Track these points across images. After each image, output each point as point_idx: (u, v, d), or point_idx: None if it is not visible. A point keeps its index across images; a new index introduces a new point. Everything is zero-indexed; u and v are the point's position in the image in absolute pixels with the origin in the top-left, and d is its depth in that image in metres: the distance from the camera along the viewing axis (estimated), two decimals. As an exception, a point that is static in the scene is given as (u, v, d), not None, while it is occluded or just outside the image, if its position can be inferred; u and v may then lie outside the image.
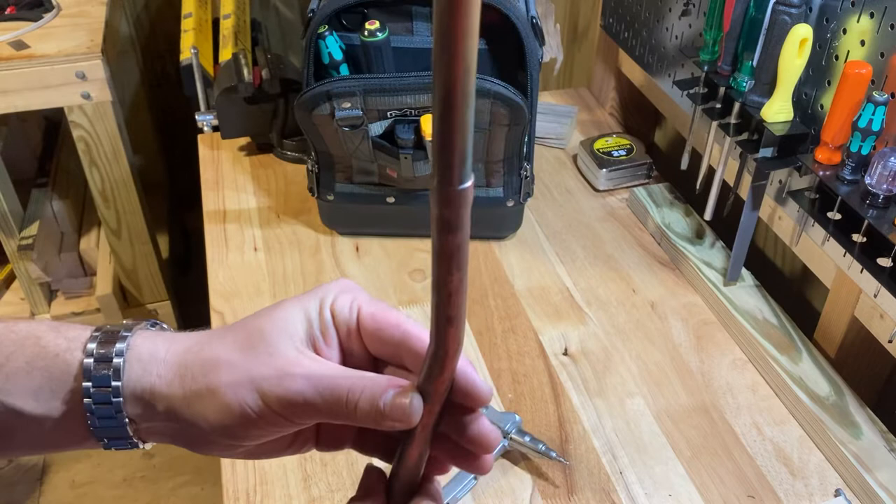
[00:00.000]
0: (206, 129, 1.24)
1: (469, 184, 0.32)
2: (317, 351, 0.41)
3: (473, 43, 0.28)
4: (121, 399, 0.39)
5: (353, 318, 0.42)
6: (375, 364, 0.44)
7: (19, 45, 1.38)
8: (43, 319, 0.46)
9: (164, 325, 0.44)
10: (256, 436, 0.40)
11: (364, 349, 0.43)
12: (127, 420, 0.40)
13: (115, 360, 0.39)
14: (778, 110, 0.82)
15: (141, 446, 0.42)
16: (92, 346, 0.40)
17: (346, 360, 0.43)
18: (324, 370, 0.39)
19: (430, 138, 0.91)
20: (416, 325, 0.43)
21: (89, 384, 0.39)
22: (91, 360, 0.39)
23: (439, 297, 0.35)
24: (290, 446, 0.44)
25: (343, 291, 0.42)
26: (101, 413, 0.39)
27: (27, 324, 0.41)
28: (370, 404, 0.38)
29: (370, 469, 0.44)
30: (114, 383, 0.39)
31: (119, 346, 0.40)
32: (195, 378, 0.39)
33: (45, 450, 0.42)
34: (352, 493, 0.76)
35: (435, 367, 0.38)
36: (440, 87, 0.29)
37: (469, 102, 0.29)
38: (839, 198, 0.76)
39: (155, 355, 0.40)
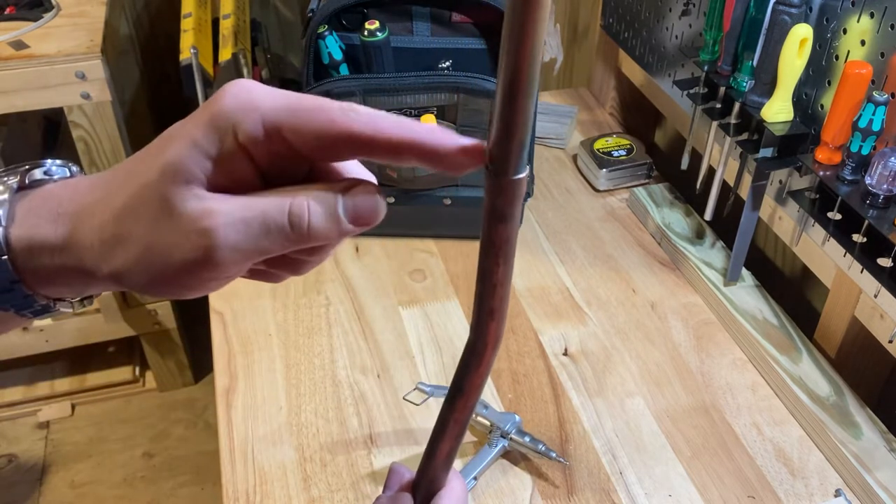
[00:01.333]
0: (205, 129, 1.23)
1: (524, 174, 0.32)
2: (223, 188, 0.34)
3: (543, 31, 0.28)
4: (20, 283, 0.35)
5: (271, 139, 0.33)
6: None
7: (19, 44, 1.37)
8: None
9: (43, 175, 0.38)
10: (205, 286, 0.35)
11: (294, 157, 0.35)
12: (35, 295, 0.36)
13: None
14: (778, 110, 0.82)
15: (54, 306, 0.37)
16: None
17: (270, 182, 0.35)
18: (240, 204, 0.33)
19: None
20: (336, 106, 0.33)
21: None
22: None
23: (483, 288, 0.35)
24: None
25: (243, 111, 0.33)
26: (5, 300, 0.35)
27: None
28: (326, 217, 0.33)
29: (396, 466, 0.44)
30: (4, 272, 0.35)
31: None
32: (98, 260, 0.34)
33: None
34: (352, 493, 0.76)
35: (473, 359, 0.37)
36: (507, 73, 0.29)
37: (533, 92, 0.30)
38: (839, 198, 0.76)
39: (43, 243, 0.35)
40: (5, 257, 0.34)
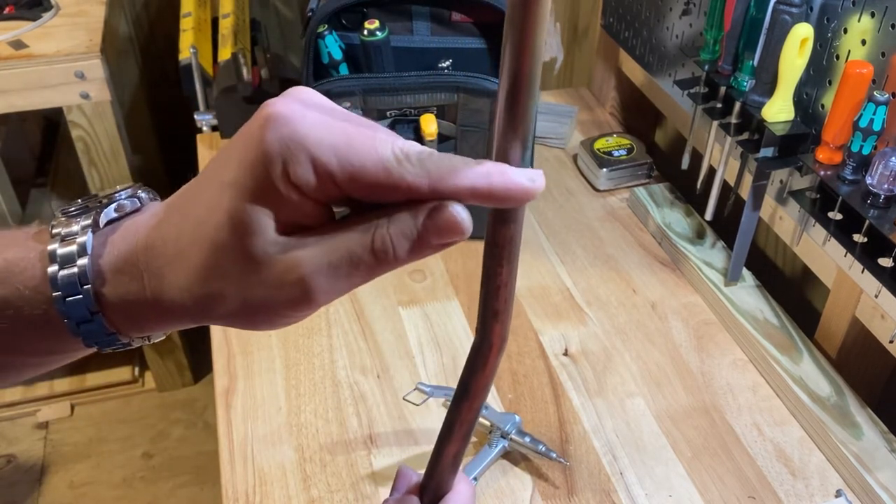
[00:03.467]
0: (205, 128, 1.23)
1: None
2: (294, 223, 0.33)
3: (543, 32, 0.28)
4: (100, 314, 0.35)
5: (323, 183, 0.32)
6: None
7: (18, 44, 1.37)
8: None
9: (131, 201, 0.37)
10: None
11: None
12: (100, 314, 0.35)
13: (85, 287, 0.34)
14: (779, 110, 0.82)
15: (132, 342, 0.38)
16: (53, 269, 0.35)
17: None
18: (324, 248, 0.33)
19: (429, 138, 0.91)
20: (407, 173, 0.32)
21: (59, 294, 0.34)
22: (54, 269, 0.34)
23: (487, 290, 0.35)
24: None
25: (289, 152, 0.31)
26: (74, 313, 0.35)
27: None
28: (410, 244, 0.32)
29: (403, 469, 0.44)
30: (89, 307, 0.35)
31: (82, 262, 0.34)
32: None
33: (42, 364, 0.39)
34: (352, 493, 0.76)
35: (478, 361, 0.37)
36: (509, 74, 0.29)
37: (535, 92, 0.30)
38: (840, 198, 0.76)
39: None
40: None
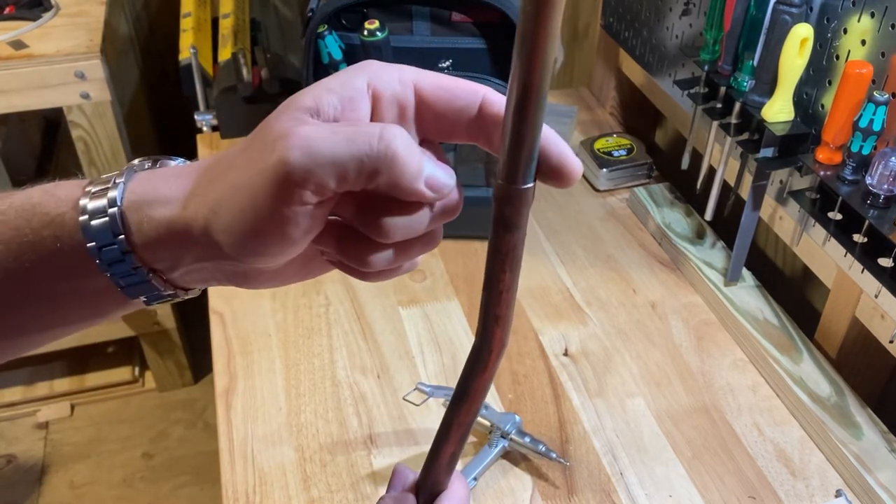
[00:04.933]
0: (205, 128, 1.23)
1: (532, 184, 0.32)
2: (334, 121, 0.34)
3: (554, 45, 0.29)
4: (131, 254, 0.35)
5: (406, 93, 0.35)
6: None
7: (18, 44, 1.37)
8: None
9: (171, 161, 0.39)
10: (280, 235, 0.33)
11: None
12: (149, 273, 0.36)
13: (111, 211, 0.35)
14: (779, 110, 0.82)
15: (182, 295, 0.38)
16: (84, 202, 0.35)
17: None
18: (332, 123, 0.33)
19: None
20: (494, 93, 0.36)
21: (94, 244, 0.35)
22: (86, 218, 0.35)
23: (489, 295, 0.35)
24: (311, 261, 0.39)
25: (383, 66, 0.36)
26: (118, 272, 0.35)
27: (21, 193, 0.37)
28: (412, 153, 0.32)
29: (400, 468, 0.44)
30: (118, 238, 0.35)
31: (112, 194, 0.35)
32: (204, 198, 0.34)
33: (96, 317, 0.39)
34: (352, 494, 0.76)
35: (478, 364, 0.38)
36: (518, 85, 0.29)
37: (543, 104, 0.30)
38: (840, 198, 0.76)
39: (156, 197, 0.35)
40: (115, 209, 0.35)
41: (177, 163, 0.39)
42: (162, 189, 0.35)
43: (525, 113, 0.30)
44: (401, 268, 0.39)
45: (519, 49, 0.29)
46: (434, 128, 0.36)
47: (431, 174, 0.33)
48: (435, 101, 0.35)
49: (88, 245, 0.35)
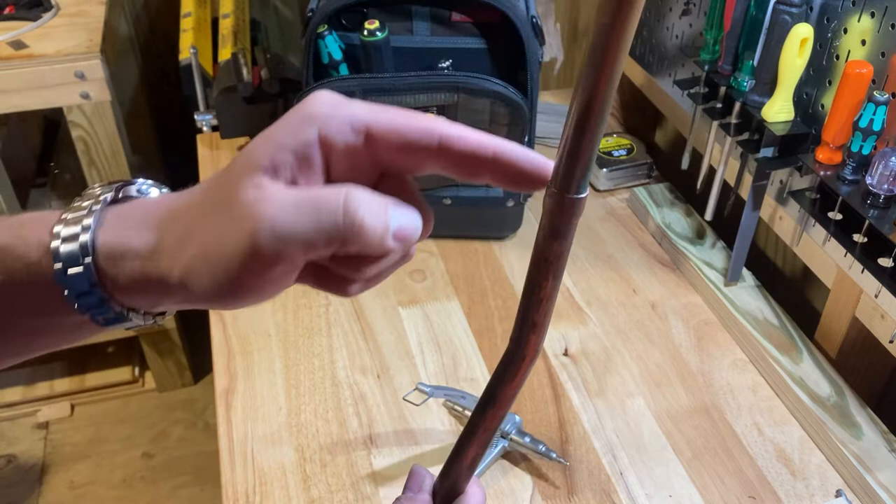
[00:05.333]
0: (205, 128, 1.23)
1: (585, 194, 0.33)
2: (291, 181, 0.34)
3: (624, 57, 0.29)
4: (109, 301, 0.36)
5: (359, 140, 0.34)
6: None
7: (18, 44, 1.37)
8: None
9: (132, 186, 0.38)
10: (254, 286, 0.34)
11: (370, 168, 0.36)
12: (129, 312, 0.37)
13: (86, 261, 0.35)
14: (779, 110, 0.82)
15: (160, 320, 0.38)
16: (56, 244, 0.35)
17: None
18: (296, 192, 0.33)
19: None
20: (449, 125, 0.35)
21: (70, 292, 0.35)
22: (60, 266, 0.35)
23: (529, 302, 0.35)
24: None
25: (331, 109, 0.34)
26: (97, 313, 0.36)
27: None
28: (377, 218, 0.32)
29: (417, 469, 0.44)
30: (95, 288, 0.35)
31: (84, 239, 0.35)
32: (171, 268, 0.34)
33: (71, 343, 0.39)
34: (352, 494, 0.76)
35: (510, 369, 0.37)
36: (583, 96, 0.30)
37: (605, 120, 0.30)
38: (840, 198, 0.76)
39: (128, 249, 0.35)
40: (89, 259, 0.35)
41: (139, 190, 0.39)
42: (133, 241, 0.35)
43: (587, 124, 0.30)
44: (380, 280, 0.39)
45: (590, 61, 0.29)
46: (393, 164, 0.36)
47: (398, 227, 0.33)
48: (388, 144, 0.34)
49: (65, 293, 0.35)
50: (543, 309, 0.35)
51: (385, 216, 0.33)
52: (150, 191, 0.39)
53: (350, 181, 0.34)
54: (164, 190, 0.40)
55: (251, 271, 0.33)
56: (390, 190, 0.36)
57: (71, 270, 0.35)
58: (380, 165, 0.36)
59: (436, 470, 0.44)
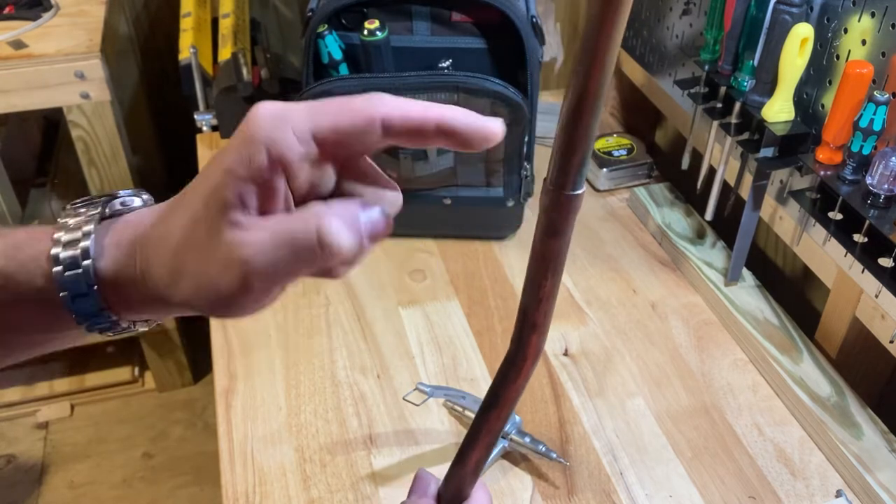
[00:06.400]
0: (205, 128, 1.23)
1: (582, 190, 0.32)
2: (262, 209, 0.35)
3: (615, 52, 0.29)
4: (118, 321, 0.39)
5: (310, 147, 0.35)
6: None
7: (18, 44, 1.37)
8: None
9: (116, 201, 0.40)
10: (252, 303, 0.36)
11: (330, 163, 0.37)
12: (134, 324, 0.40)
13: (93, 289, 0.37)
14: (779, 110, 0.82)
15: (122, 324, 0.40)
16: (58, 271, 0.37)
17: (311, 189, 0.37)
18: (270, 231, 0.34)
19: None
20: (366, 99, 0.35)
21: (78, 317, 0.38)
22: (66, 295, 0.37)
23: (528, 301, 0.35)
24: None
25: (273, 127, 0.34)
26: (104, 329, 0.39)
27: None
28: (351, 235, 0.34)
29: (422, 473, 0.44)
30: (103, 312, 0.38)
31: (86, 263, 0.37)
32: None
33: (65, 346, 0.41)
34: (351, 494, 0.76)
35: (511, 371, 0.37)
36: (575, 92, 0.30)
37: (598, 113, 0.30)
38: (840, 198, 0.76)
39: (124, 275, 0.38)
40: (95, 288, 0.37)
41: (123, 203, 0.40)
42: (132, 270, 0.37)
43: (579, 119, 0.30)
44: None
45: (581, 57, 0.29)
46: (346, 154, 0.37)
47: (371, 230, 0.35)
48: (335, 142, 0.35)
49: (74, 317, 0.37)
50: (543, 308, 0.35)
51: (357, 227, 0.34)
52: (133, 201, 0.40)
53: (313, 182, 0.36)
54: (146, 196, 0.41)
55: (245, 301, 0.35)
56: (352, 175, 0.37)
57: (78, 299, 0.37)
58: (336, 158, 0.37)
59: (437, 471, 0.44)
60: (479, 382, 0.87)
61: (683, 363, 0.89)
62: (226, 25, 1.38)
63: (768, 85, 0.82)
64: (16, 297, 0.37)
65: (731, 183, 0.93)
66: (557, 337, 0.92)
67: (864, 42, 0.76)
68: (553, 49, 1.25)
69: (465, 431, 0.44)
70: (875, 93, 0.71)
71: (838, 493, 0.75)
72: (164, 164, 2.00)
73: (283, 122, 0.34)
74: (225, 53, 1.28)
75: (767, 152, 0.83)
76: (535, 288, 0.34)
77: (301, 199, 0.36)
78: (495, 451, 0.77)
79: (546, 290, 0.34)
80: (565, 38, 1.52)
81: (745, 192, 0.90)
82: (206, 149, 1.22)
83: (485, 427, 0.39)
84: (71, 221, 0.38)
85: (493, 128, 0.35)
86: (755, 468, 0.78)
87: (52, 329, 0.39)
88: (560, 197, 0.32)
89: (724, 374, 0.88)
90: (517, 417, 0.78)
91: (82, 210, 0.39)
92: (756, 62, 0.83)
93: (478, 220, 1.04)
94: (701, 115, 0.93)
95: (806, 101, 0.84)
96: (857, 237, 0.76)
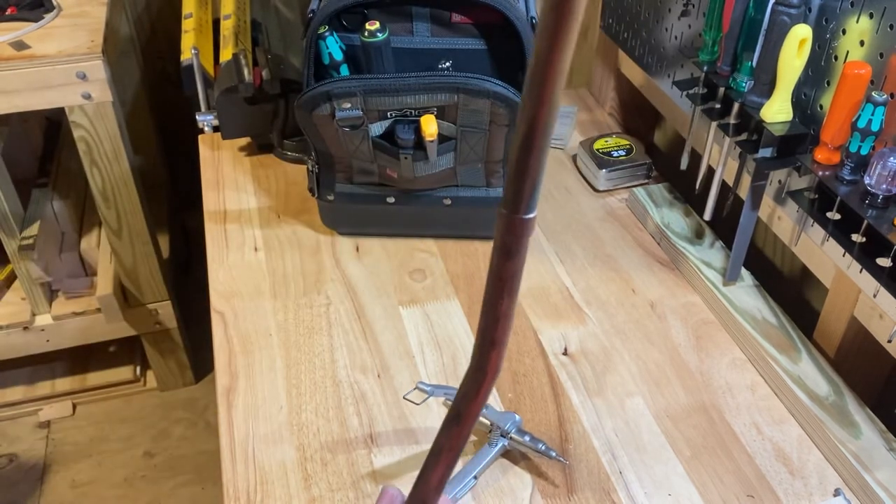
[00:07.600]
0: (206, 129, 1.24)
1: (533, 214, 0.33)
2: None
3: (561, 84, 0.30)
4: None
5: None
6: None
7: (20, 45, 1.38)
8: None
9: None
10: None
11: None
12: None
13: None
14: (777, 110, 0.82)
15: None
16: None
17: None
18: None
19: (430, 138, 0.91)
20: None
21: None
22: None
23: (487, 320, 0.36)
24: None
25: None
26: None
27: None
28: None
29: (388, 489, 0.44)
30: None
31: None
32: None
33: None
34: (352, 493, 0.76)
35: (472, 388, 0.38)
36: (525, 120, 0.31)
37: (548, 140, 0.31)
38: (838, 198, 0.77)
39: None
40: None
41: None
42: None
43: (531, 145, 0.31)
44: None
45: (530, 86, 0.30)
46: None
47: None
48: None
49: None
50: (502, 326, 0.36)
51: None
52: None
53: None
54: None
55: None
56: None
57: None
58: None
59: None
60: (479, 382, 0.87)
61: (682, 362, 0.90)
62: (227, 26, 1.39)
63: (767, 85, 0.82)
64: None
65: (730, 183, 0.93)
66: (557, 336, 0.93)
67: (862, 43, 0.76)
68: (553, 50, 1.25)
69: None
70: (873, 93, 0.71)
71: (836, 492, 0.76)
72: (165, 164, 2.01)
73: None
74: (226, 54, 1.29)
75: (766, 152, 0.84)
76: (493, 308, 0.36)
77: None
78: (495, 450, 0.78)
79: (503, 308, 0.35)
80: (565, 39, 1.52)
81: (744, 192, 0.91)
82: (208, 149, 1.23)
83: (447, 444, 0.39)
84: None
85: None
86: (754, 467, 0.79)
87: None
88: (514, 220, 0.33)
89: (723, 374, 0.88)
90: (517, 416, 0.79)
91: None
92: (754, 63, 0.84)
93: (478, 221, 1.04)
94: (700, 115, 0.93)
95: (804, 101, 0.84)
96: (856, 237, 0.76)
